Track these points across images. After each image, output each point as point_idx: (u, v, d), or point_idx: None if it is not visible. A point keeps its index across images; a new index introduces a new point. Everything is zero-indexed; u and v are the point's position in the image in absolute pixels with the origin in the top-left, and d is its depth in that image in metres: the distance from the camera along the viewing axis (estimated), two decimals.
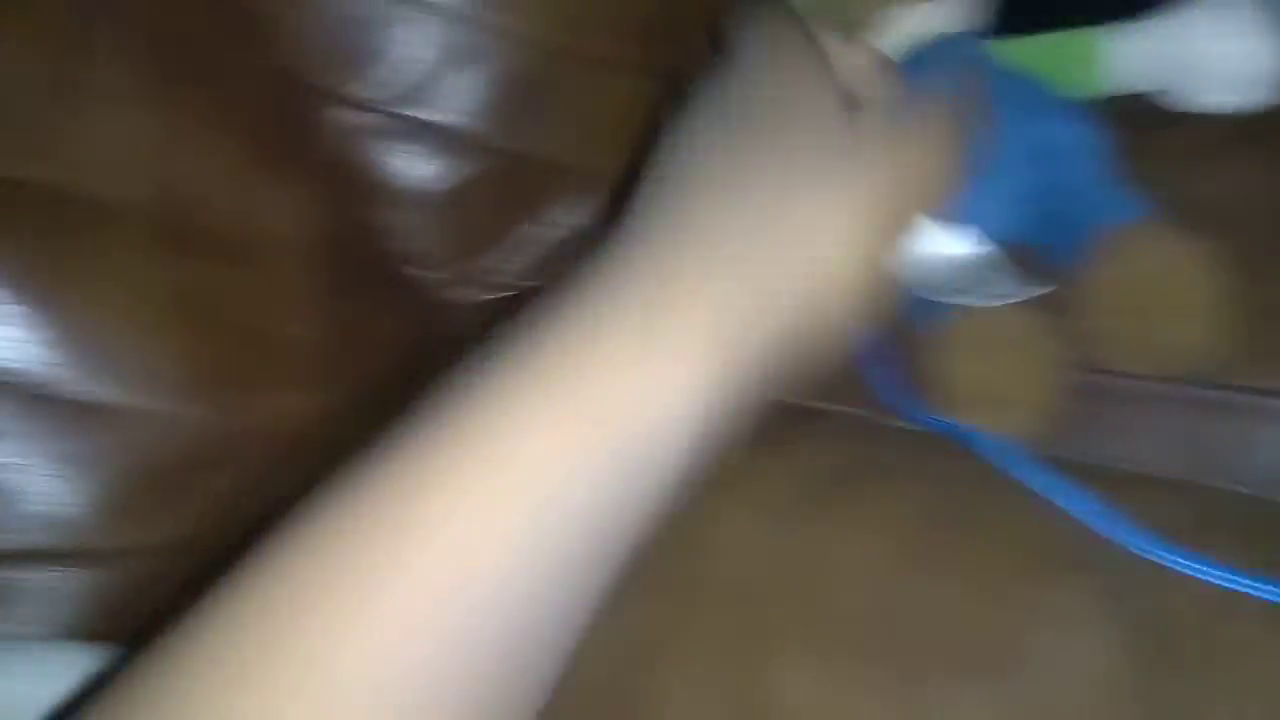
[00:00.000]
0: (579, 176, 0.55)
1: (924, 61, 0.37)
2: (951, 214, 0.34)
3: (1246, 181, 0.38)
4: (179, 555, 0.40)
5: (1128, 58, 0.40)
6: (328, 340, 0.48)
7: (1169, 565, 0.29)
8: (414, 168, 0.52)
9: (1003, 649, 0.28)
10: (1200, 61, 0.39)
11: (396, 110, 0.51)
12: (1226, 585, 0.28)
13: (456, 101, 0.51)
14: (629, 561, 0.24)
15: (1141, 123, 0.38)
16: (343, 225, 0.51)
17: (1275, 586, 0.27)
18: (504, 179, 0.53)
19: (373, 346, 0.50)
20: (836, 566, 0.32)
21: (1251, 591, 0.27)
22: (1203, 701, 0.26)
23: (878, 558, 0.32)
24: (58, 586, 0.38)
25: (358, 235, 0.51)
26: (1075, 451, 0.36)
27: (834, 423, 0.38)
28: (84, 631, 0.38)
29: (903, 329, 0.36)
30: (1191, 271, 0.33)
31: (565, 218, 0.55)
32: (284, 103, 0.49)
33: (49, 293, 0.39)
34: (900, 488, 0.34)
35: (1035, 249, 0.36)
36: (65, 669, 0.32)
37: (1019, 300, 0.35)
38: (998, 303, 0.35)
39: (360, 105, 0.50)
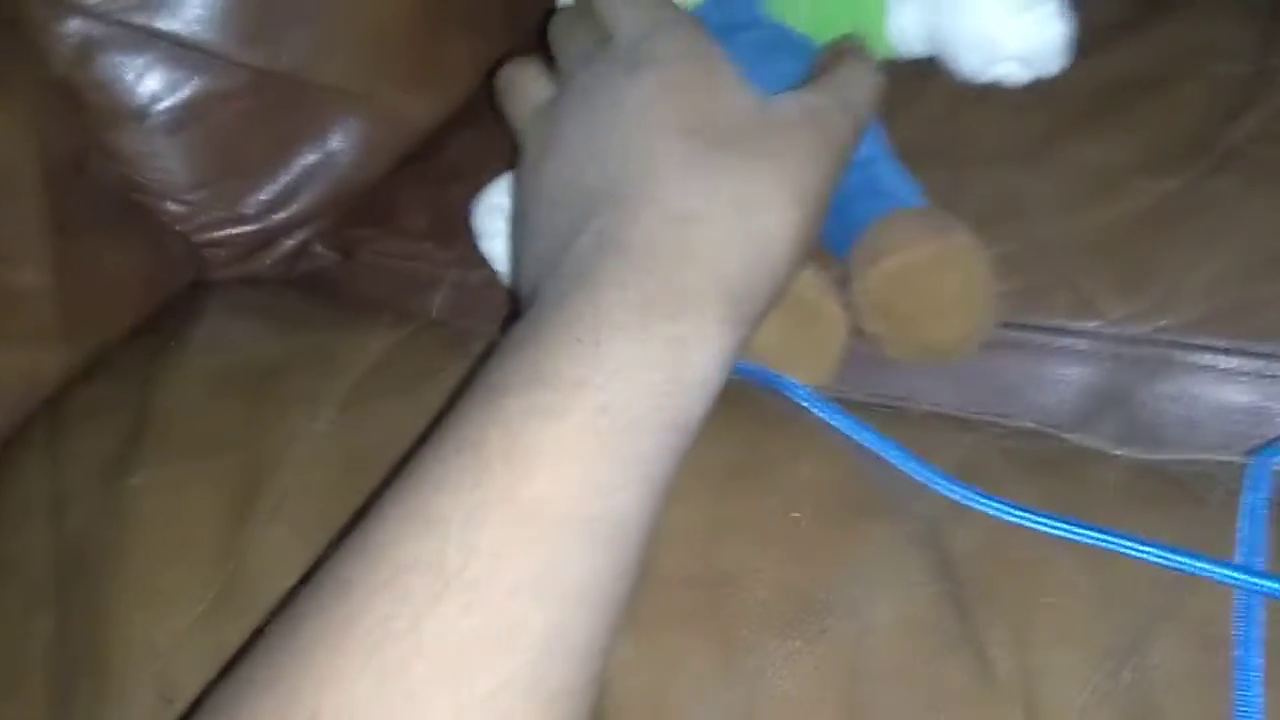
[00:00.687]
0: (351, 101, 0.50)
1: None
2: None
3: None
4: None
5: (913, 24, 0.37)
6: (64, 286, 0.42)
7: (969, 505, 0.29)
8: (148, 84, 0.46)
9: (817, 605, 0.28)
10: (982, 33, 0.35)
11: (129, 19, 0.45)
12: (1025, 523, 0.28)
13: (192, 9, 0.46)
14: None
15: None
16: (74, 152, 0.45)
17: (1068, 524, 0.28)
18: (254, 99, 0.48)
19: (117, 293, 0.45)
20: (662, 529, 0.30)
21: (1047, 529, 0.28)
22: (1019, 633, 0.26)
23: (682, 519, 0.31)
24: None
25: (94, 165, 0.45)
26: (870, 392, 0.36)
27: None
28: None
29: None
30: (950, 267, 0.33)
31: (340, 148, 0.51)
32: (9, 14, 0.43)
33: None
34: (702, 443, 0.32)
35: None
36: None
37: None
38: None
39: (91, 14, 0.44)
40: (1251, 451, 0.28)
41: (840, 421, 0.31)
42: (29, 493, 0.34)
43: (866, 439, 0.31)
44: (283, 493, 0.32)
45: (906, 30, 0.37)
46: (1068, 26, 0.35)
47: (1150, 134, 0.37)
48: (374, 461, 0.32)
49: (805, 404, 0.32)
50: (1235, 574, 0.24)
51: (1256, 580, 0.24)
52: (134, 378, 0.37)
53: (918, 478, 0.30)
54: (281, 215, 0.50)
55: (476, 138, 0.51)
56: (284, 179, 0.50)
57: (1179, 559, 0.25)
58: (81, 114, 0.44)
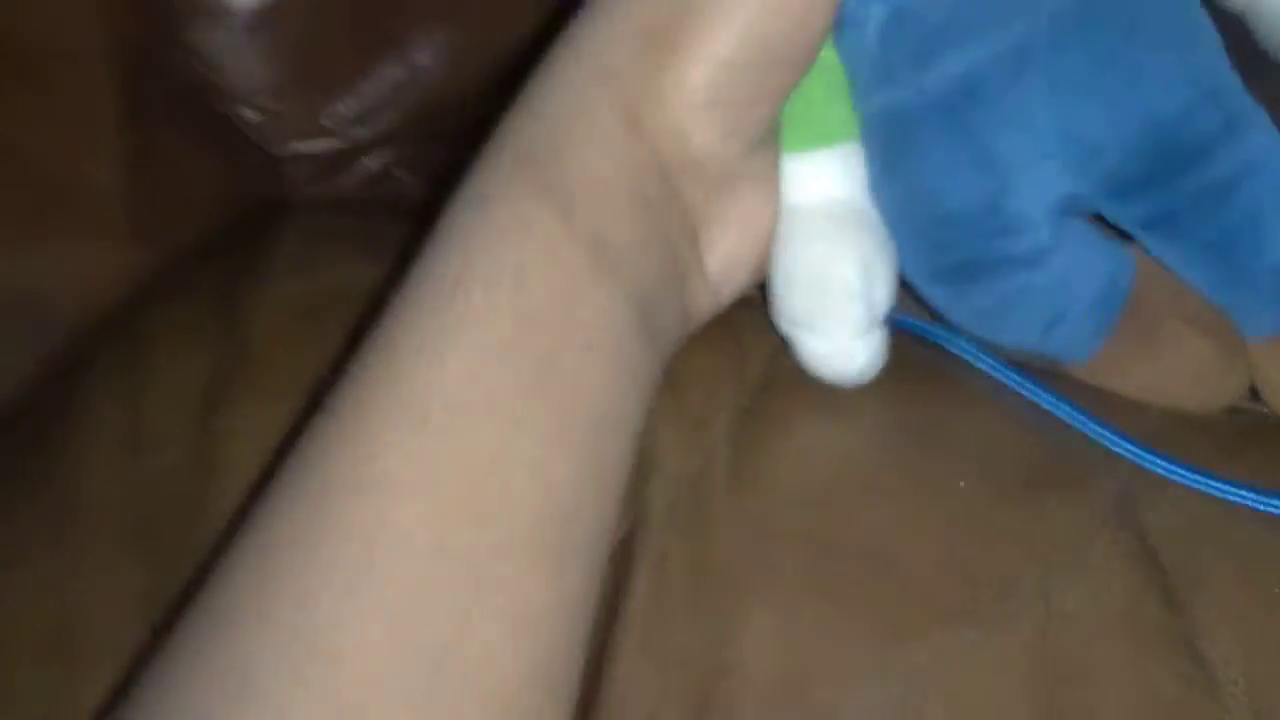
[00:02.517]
0: (441, 12, 0.47)
1: None
2: None
3: None
4: None
5: None
6: (134, 182, 0.40)
7: (1170, 477, 0.25)
8: None
9: (993, 588, 0.24)
10: None
11: None
12: (1238, 500, 0.24)
13: None
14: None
15: None
16: (145, 41, 0.41)
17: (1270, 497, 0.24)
18: (339, 2, 0.45)
19: (186, 197, 0.42)
20: (789, 497, 0.27)
21: (1266, 507, 0.24)
22: (1243, 633, 0.23)
23: (823, 477, 0.28)
24: None
25: (164, 57, 0.42)
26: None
27: (764, 315, 0.33)
28: None
29: None
30: None
31: (427, 62, 0.47)
32: None
33: None
34: (846, 397, 0.29)
35: None
36: None
37: None
38: None
39: None
40: None
41: (1013, 379, 0.28)
42: (107, 422, 0.32)
43: (1045, 399, 0.27)
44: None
45: None
46: None
47: None
48: None
49: (971, 359, 0.29)
50: None
51: None
52: (217, 300, 0.34)
53: (1106, 445, 0.26)
54: (364, 131, 0.47)
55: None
56: (368, 92, 0.46)
57: None
58: (159, 4, 0.41)
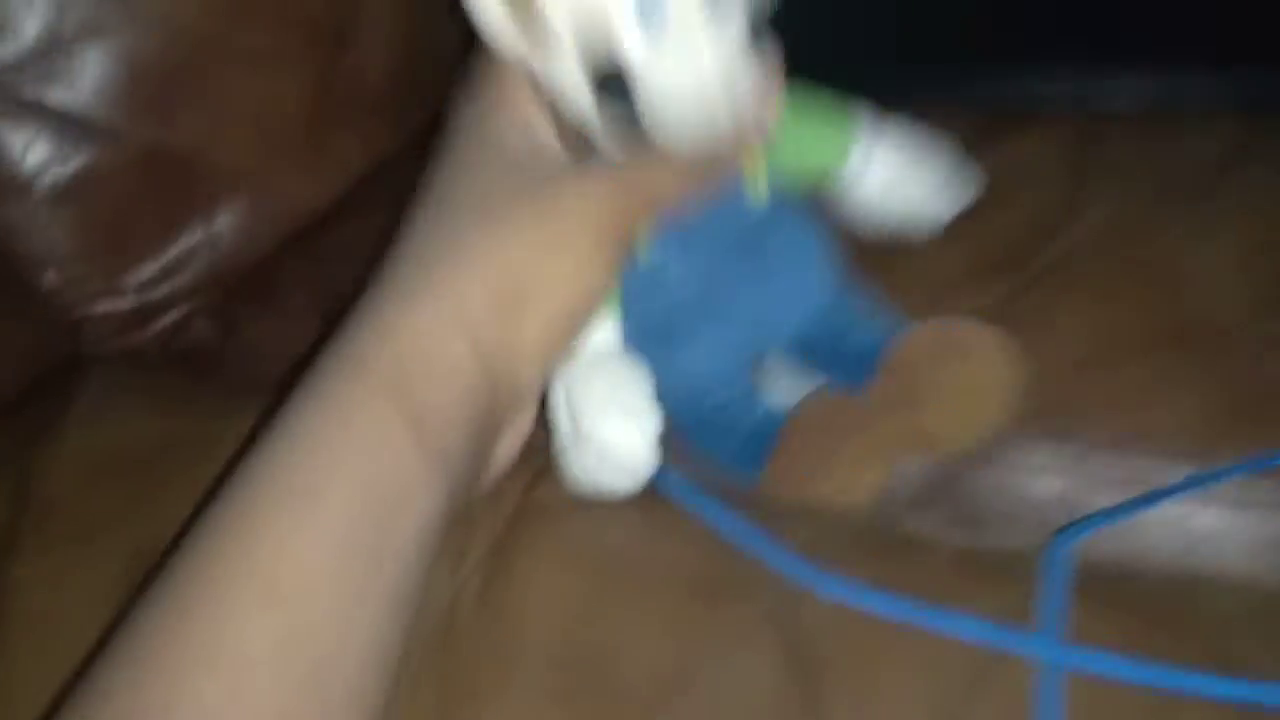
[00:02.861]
0: (240, 181, 0.52)
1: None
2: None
3: None
4: None
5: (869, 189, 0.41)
6: None
7: (816, 586, 0.32)
8: (34, 155, 0.46)
9: (677, 683, 0.30)
10: (911, 204, 0.41)
11: (19, 92, 0.45)
12: (869, 605, 0.31)
13: (85, 84, 0.47)
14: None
15: None
16: None
17: (907, 605, 0.31)
18: (143, 174, 0.49)
19: None
20: (528, 616, 0.33)
21: (892, 612, 0.31)
22: (858, 705, 0.29)
23: (557, 600, 0.34)
24: None
25: None
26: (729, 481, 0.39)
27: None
28: None
29: None
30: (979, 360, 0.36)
31: (226, 226, 0.52)
32: None
33: None
34: (578, 526, 0.35)
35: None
36: None
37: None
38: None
39: None
40: (1051, 535, 0.32)
41: (705, 508, 0.34)
42: None
43: (727, 524, 0.34)
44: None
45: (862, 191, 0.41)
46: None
47: (977, 250, 0.42)
48: None
49: (674, 492, 0.35)
50: (1041, 646, 0.28)
51: (1058, 649, 0.27)
52: (9, 463, 0.37)
53: (771, 560, 0.33)
54: (163, 290, 0.51)
55: (363, 223, 0.53)
56: (168, 254, 0.50)
57: (988, 633, 0.28)
58: None
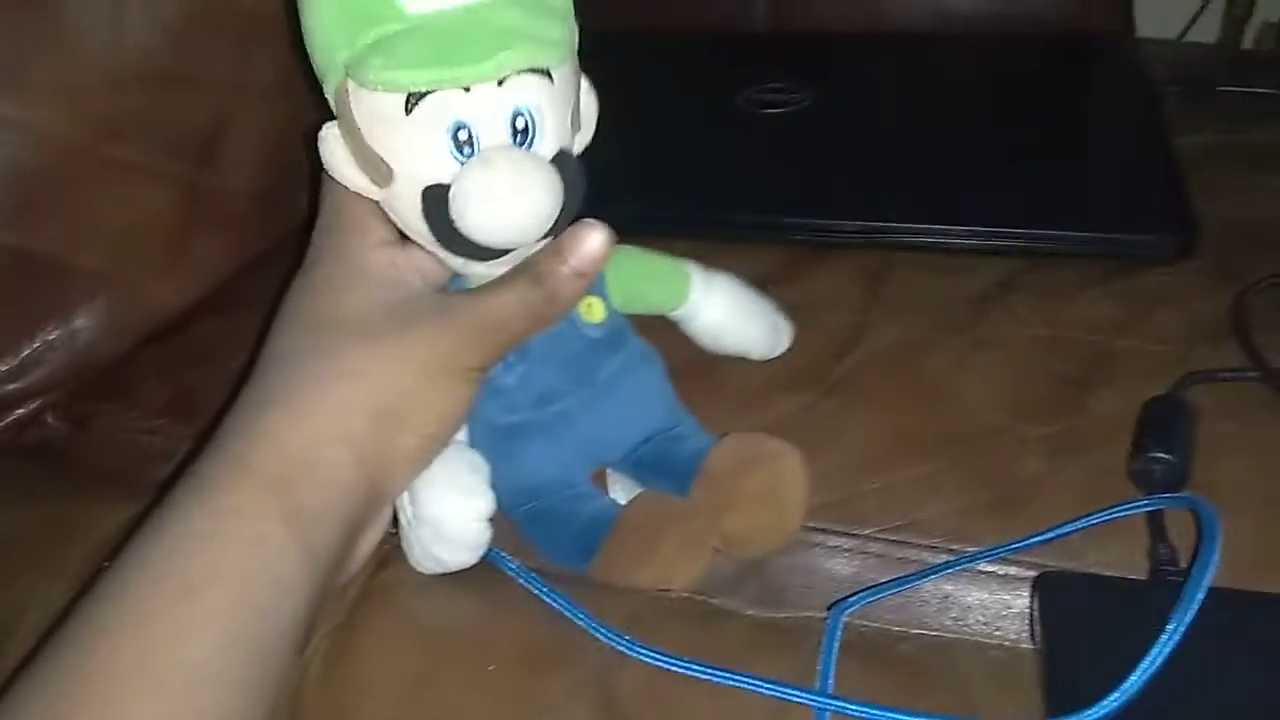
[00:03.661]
0: (99, 282, 0.54)
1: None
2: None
3: None
4: None
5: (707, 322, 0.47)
6: None
7: (631, 654, 0.36)
8: None
9: None
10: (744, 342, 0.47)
11: None
12: (674, 668, 0.35)
13: None
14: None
15: None
16: None
17: (707, 668, 0.35)
18: (4, 276, 0.51)
19: None
20: (368, 689, 0.36)
21: (693, 673, 0.35)
22: None
23: (393, 671, 0.36)
24: None
25: None
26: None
27: None
28: None
29: None
30: (757, 469, 0.41)
31: (84, 325, 0.53)
32: None
33: None
34: (419, 605, 0.38)
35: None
36: None
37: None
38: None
39: None
40: (829, 607, 0.37)
41: (536, 587, 0.38)
42: None
43: (554, 600, 0.37)
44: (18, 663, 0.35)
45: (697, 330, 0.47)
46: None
47: (783, 365, 0.48)
48: None
49: (510, 572, 0.39)
50: (812, 697, 0.33)
51: (825, 701, 0.32)
52: None
53: (593, 632, 0.36)
54: (17, 385, 0.52)
55: (222, 324, 0.55)
56: (24, 351, 0.52)
57: (776, 689, 0.33)
58: None
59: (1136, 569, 0.39)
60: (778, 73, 0.65)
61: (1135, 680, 0.29)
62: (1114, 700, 0.29)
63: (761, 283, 0.49)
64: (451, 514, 0.37)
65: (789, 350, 0.49)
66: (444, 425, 0.37)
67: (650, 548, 0.40)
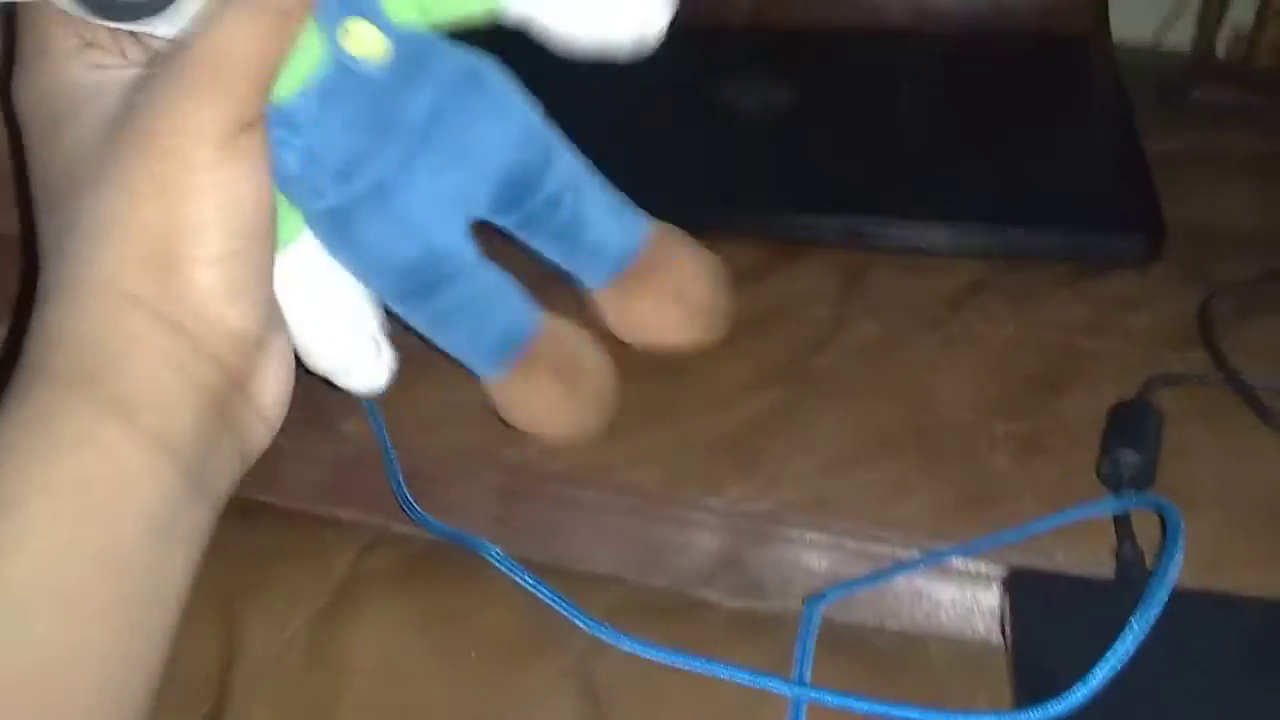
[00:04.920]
0: None
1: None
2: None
3: None
4: None
5: None
6: None
7: (611, 642, 0.37)
8: None
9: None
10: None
11: None
12: (654, 657, 0.36)
13: None
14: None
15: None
16: None
17: (686, 657, 0.36)
18: None
19: None
20: (354, 670, 0.36)
21: (672, 662, 0.36)
22: None
23: (380, 658, 0.37)
24: None
25: None
26: (547, 555, 0.43)
27: (346, 531, 0.43)
28: None
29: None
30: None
31: None
32: None
33: None
34: (405, 592, 0.39)
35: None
36: None
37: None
38: None
39: None
40: (806, 599, 0.38)
41: (519, 575, 0.39)
42: None
43: (536, 589, 0.38)
44: None
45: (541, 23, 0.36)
46: None
47: (760, 359, 0.49)
48: None
49: (493, 561, 0.39)
50: (788, 687, 0.33)
51: (801, 690, 0.33)
52: None
53: (575, 621, 0.37)
54: None
55: None
56: None
57: (752, 678, 0.34)
58: None
59: (1104, 567, 0.41)
60: (756, 69, 0.66)
61: (1099, 676, 0.30)
62: (1077, 694, 0.30)
63: (738, 279, 0.50)
64: (340, 362, 0.37)
65: (765, 345, 0.49)
66: (230, 234, 0.29)
67: (537, 389, 0.40)
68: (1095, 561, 0.41)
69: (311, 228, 0.36)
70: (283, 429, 0.35)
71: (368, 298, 0.39)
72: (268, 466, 0.39)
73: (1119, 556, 0.40)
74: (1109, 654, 0.30)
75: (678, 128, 0.63)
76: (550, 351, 0.41)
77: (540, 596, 0.38)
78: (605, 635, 0.36)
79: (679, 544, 0.44)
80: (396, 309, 0.39)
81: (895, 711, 0.32)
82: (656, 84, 0.67)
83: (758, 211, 0.56)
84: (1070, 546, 0.42)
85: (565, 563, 0.43)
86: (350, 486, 0.44)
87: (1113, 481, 0.43)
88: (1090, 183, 0.58)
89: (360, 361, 0.38)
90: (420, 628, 0.38)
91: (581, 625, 0.37)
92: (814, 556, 0.44)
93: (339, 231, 0.35)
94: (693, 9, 0.80)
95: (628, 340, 0.45)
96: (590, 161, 0.42)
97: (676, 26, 0.77)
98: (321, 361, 0.37)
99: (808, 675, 0.34)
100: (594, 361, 0.43)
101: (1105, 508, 0.41)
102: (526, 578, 0.39)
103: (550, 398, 0.41)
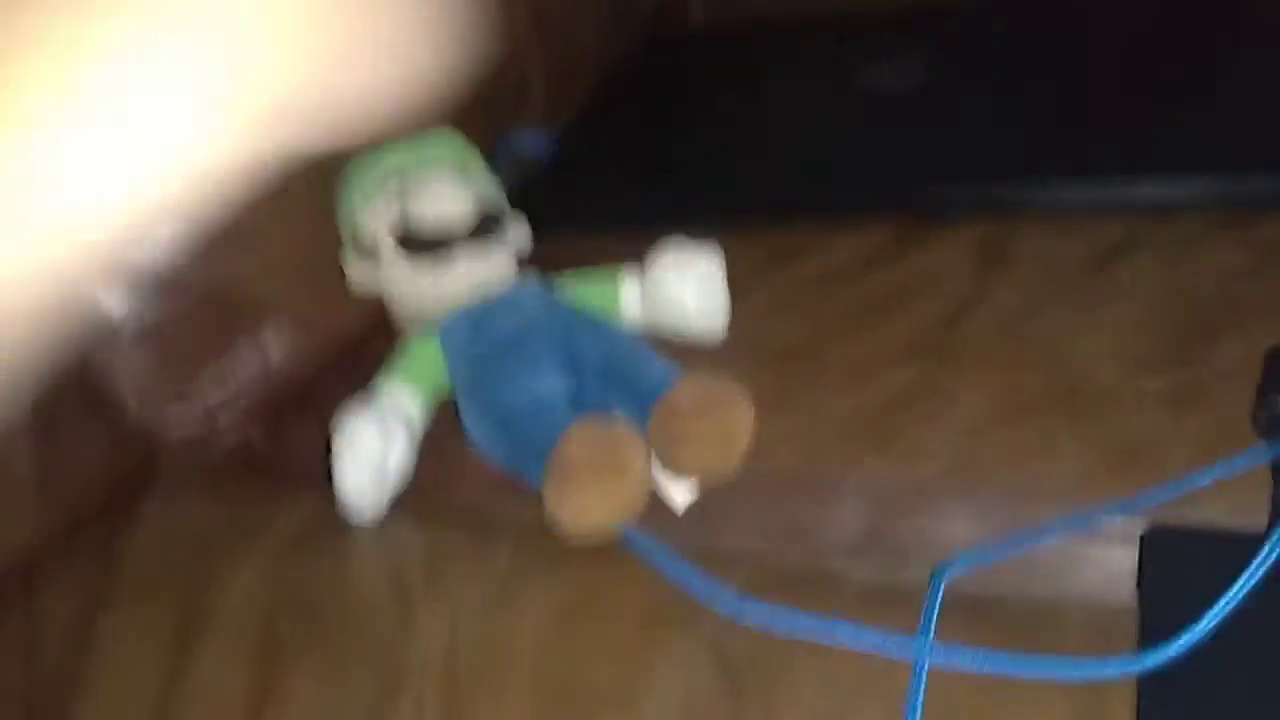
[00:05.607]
0: (276, 313, 0.61)
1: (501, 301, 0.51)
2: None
3: None
4: None
5: (620, 297, 0.53)
6: (51, 464, 0.51)
7: (748, 616, 0.39)
8: (121, 305, 0.56)
9: (630, 689, 0.37)
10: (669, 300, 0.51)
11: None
12: (784, 625, 0.38)
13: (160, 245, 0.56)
14: None
15: None
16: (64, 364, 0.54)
17: (827, 624, 0.38)
18: (203, 314, 0.58)
19: (92, 470, 0.53)
20: (516, 651, 0.40)
21: (810, 635, 0.38)
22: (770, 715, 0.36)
23: (542, 641, 0.41)
24: None
25: (70, 369, 0.54)
26: (688, 536, 0.46)
27: (502, 528, 0.47)
28: None
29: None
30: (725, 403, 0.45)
31: (264, 350, 0.61)
32: None
33: None
34: (558, 580, 0.43)
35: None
36: None
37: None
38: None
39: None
40: (934, 566, 0.39)
41: (660, 557, 0.42)
42: (35, 620, 0.44)
43: (680, 571, 0.41)
44: (222, 629, 0.41)
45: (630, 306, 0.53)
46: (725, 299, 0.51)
47: (897, 335, 0.50)
48: (298, 603, 0.41)
49: (632, 542, 0.42)
50: (907, 646, 0.35)
51: (920, 649, 0.34)
52: (102, 543, 0.46)
53: (708, 597, 0.40)
54: (217, 400, 0.59)
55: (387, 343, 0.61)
56: (225, 370, 0.59)
57: (872, 639, 0.35)
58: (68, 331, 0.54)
59: (1260, 520, 0.39)
60: (891, 50, 0.66)
61: (1207, 622, 0.29)
62: (1183, 641, 0.30)
63: (873, 259, 0.51)
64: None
65: (898, 322, 0.50)
66: None
67: (573, 481, 0.43)
68: (1256, 511, 0.39)
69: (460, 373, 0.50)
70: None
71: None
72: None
73: (1274, 506, 0.38)
74: (1219, 601, 0.30)
75: (810, 115, 0.64)
76: (580, 452, 0.44)
77: (675, 574, 0.41)
78: (736, 609, 0.38)
79: (819, 519, 0.46)
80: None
81: (1012, 665, 0.32)
82: (791, 74, 0.69)
83: (899, 188, 0.57)
84: (1224, 498, 0.40)
85: (705, 540, 0.45)
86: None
87: (1269, 428, 0.41)
88: (1246, 122, 0.55)
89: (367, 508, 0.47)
90: (570, 609, 0.42)
91: (721, 601, 0.39)
92: (955, 525, 0.45)
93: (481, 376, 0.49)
94: None
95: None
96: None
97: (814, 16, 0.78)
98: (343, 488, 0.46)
99: (930, 637, 0.35)
100: (625, 458, 0.44)
101: (1259, 457, 0.39)
102: (663, 556, 0.42)
103: (581, 498, 0.43)
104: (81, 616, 0.43)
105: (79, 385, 0.55)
